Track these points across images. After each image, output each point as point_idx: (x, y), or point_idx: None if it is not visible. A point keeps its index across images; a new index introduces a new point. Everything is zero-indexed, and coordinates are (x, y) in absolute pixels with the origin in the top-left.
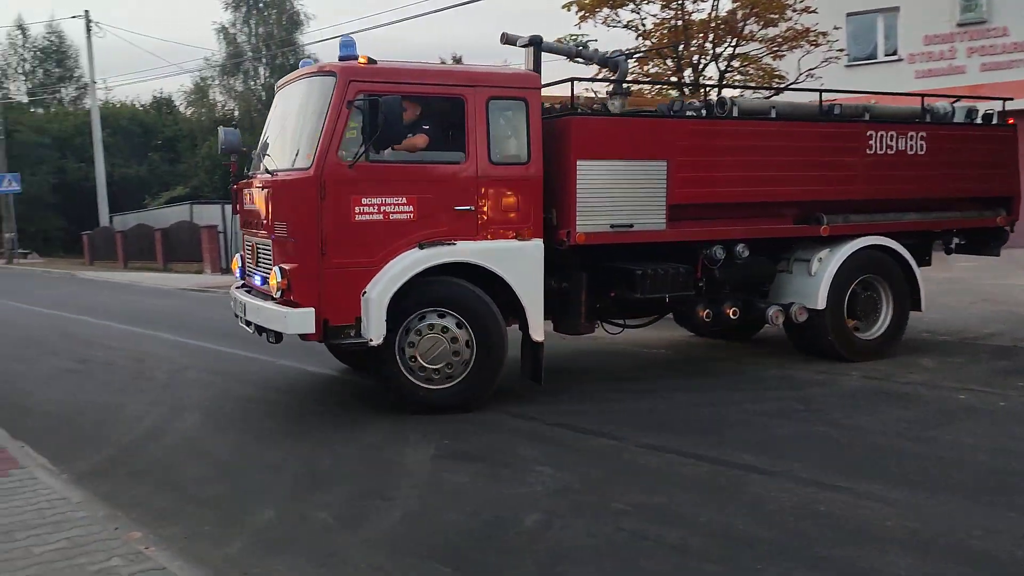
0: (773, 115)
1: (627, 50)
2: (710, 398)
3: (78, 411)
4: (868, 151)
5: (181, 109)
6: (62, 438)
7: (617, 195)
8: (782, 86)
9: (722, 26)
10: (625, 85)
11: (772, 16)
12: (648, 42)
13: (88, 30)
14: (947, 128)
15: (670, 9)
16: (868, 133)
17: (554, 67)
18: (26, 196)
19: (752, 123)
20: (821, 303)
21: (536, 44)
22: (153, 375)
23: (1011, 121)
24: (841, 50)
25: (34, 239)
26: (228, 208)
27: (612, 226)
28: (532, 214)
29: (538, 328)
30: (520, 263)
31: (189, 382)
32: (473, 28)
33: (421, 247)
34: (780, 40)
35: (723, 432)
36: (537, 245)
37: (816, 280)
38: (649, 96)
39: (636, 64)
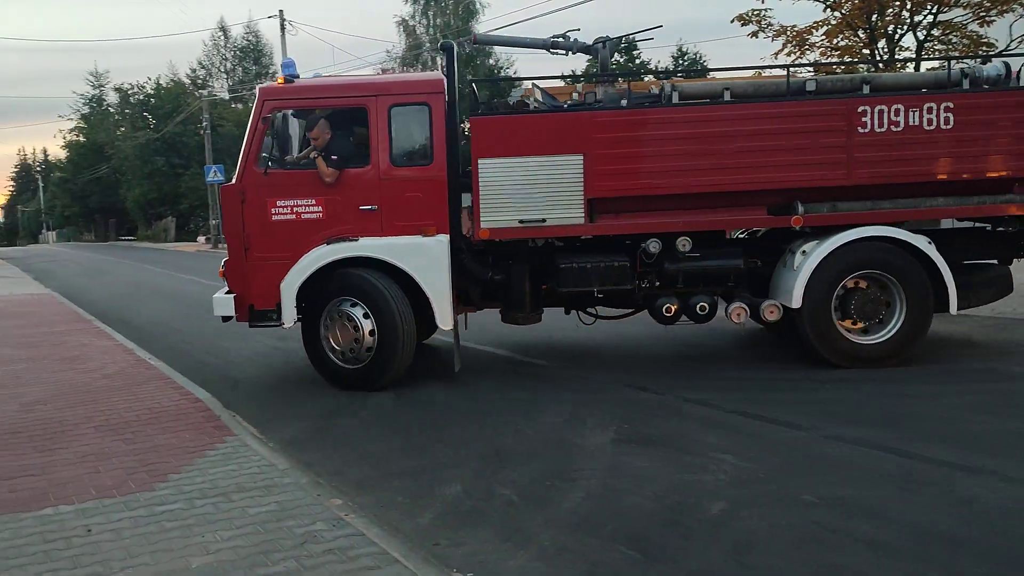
0: (727, 98)
1: (609, 38)
2: (901, 389)
3: (280, 384)
4: (862, 129)
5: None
6: (267, 409)
7: (527, 191)
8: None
9: None
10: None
11: None
12: (838, 13)
13: (282, 28)
14: (988, 95)
15: None
16: (861, 109)
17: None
18: None
19: (687, 109)
20: (796, 301)
21: (448, 50)
22: None
23: None
24: None
25: None
26: None
27: (521, 222)
28: (437, 212)
29: (445, 318)
30: (422, 258)
31: None
32: (643, 7)
33: (328, 243)
34: (988, 4)
35: (917, 425)
36: (440, 241)
37: (795, 275)
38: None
39: (824, 38)
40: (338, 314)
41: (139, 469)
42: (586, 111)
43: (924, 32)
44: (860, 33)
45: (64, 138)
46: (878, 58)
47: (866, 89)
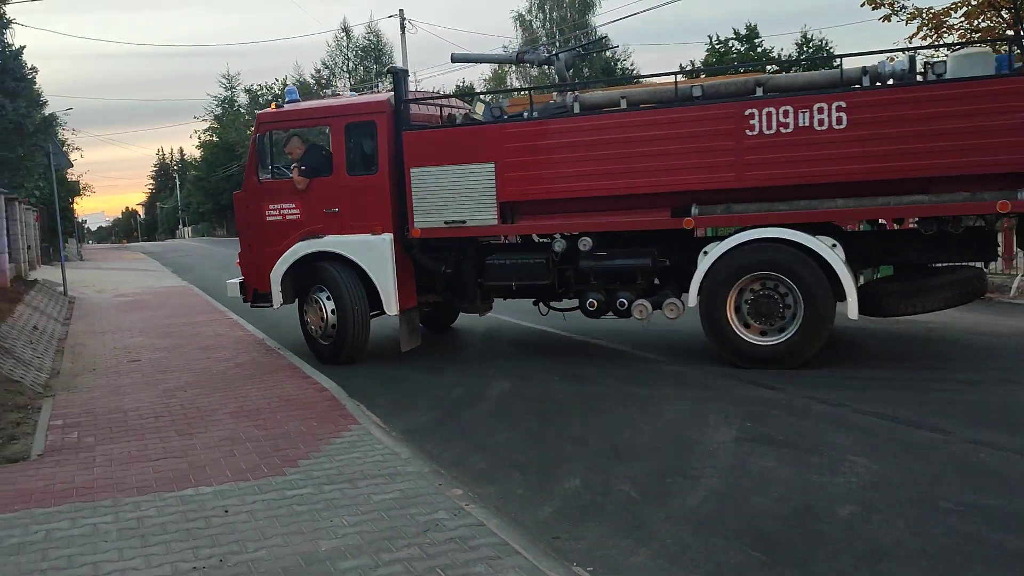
0: (623, 106)
1: (564, 49)
2: None
3: (400, 376)
4: (750, 132)
5: (481, 97)
6: (389, 400)
7: (451, 196)
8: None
9: None
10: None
11: None
12: None
13: (402, 27)
14: (882, 92)
15: None
16: (748, 112)
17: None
18: None
19: (583, 119)
20: (692, 300)
21: (395, 73)
22: (465, 346)
23: None
24: None
25: None
26: None
27: (446, 223)
28: (381, 214)
29: (391, 304)
30: (370, 252)
31: (496, 354)
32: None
33: (302, 239)
34: None
35: None
36: (384, 239)
37: (695, 276)
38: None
39: (964, 19)
40: (314, 299)
41: (271, 454)
42: (496, 124)
43: None
44: (1004, 13)
45: (199, 138)
46: None
47: (759, 92)
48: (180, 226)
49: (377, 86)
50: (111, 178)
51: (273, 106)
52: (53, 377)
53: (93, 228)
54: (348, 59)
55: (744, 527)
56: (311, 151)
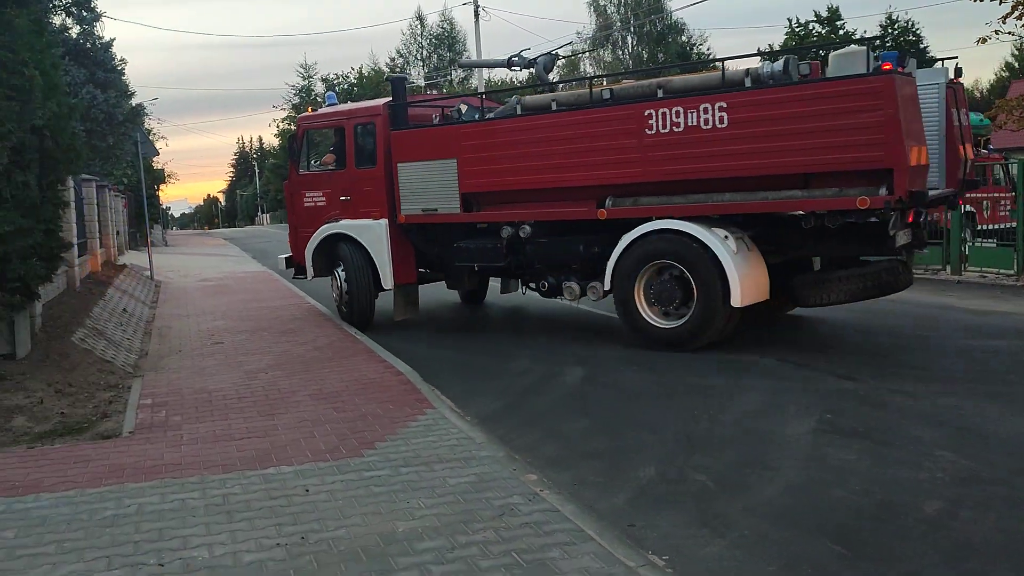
0: (553, 108)
1: (547, 52)
2: None
3: (473, 361)
4: (649, 131)
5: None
6: (463, 385)
7: (426, 187)
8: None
9: None
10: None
11: None
12: None
13: (476, 15)
14: (756, 93)
15: None
16: (647, 112)
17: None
18: None
19: (520, 120)
20: (607, 284)
21: (393, 82)
22: (535, 333)
23: (886, 67)
24: None
25: None
26: None
27: (423, 210)
28: (379, 202)
29: (387, 279)
30: (371, 234)
31: (567, 341)
32: None
33: (327, 223)
34: None
35: None
36: (381, 223)
37: (607, 263)
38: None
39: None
40: (336, 273)
41: (349, 436)
42: (455, 124)
43: None
44: None
45: (277, 127)
46: None
47: (660, 94)
48: (259, 213)
49: (450, 75)
50: (193, 166)
51: (310, 109)
52: (142, 358)
53: (176, 215)
54: (422, 47)
55: (824, 520)
56: (340, 144)
